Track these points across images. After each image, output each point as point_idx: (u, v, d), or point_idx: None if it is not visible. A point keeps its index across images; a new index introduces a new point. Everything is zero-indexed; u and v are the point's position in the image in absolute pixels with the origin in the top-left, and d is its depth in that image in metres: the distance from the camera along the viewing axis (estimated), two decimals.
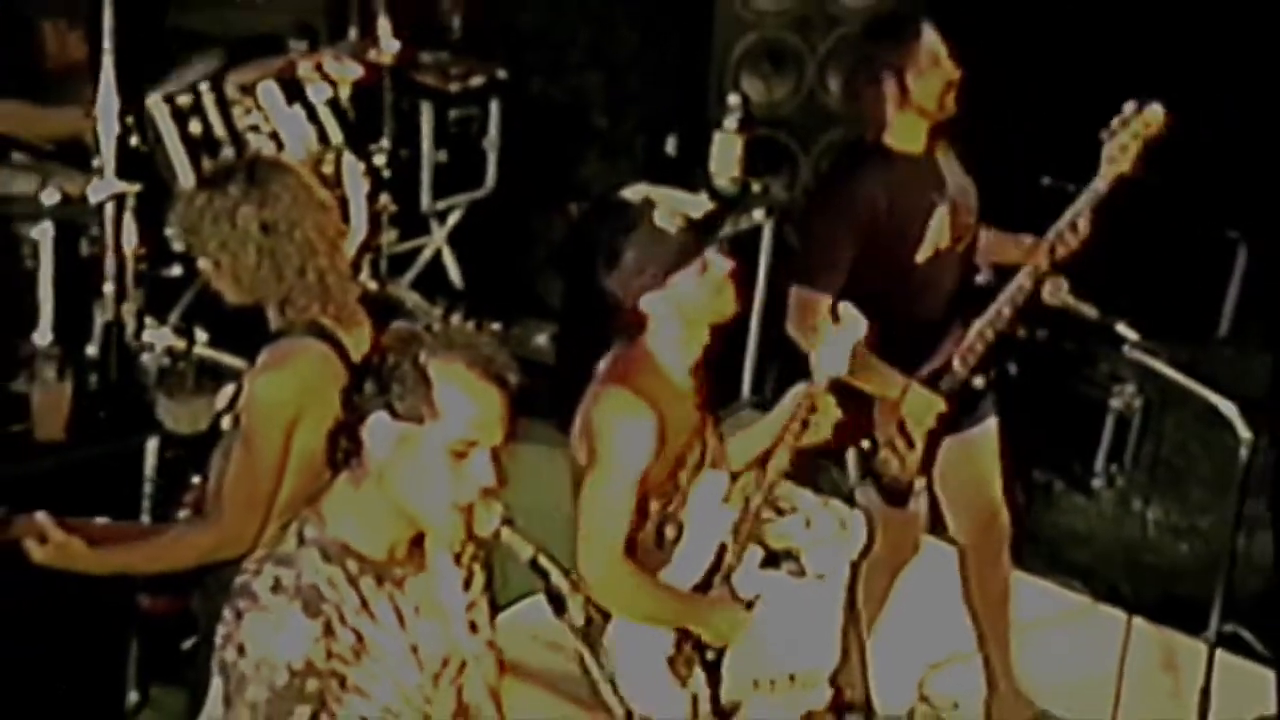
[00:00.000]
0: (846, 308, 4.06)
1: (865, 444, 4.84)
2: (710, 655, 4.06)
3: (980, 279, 4.98)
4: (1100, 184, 4.71)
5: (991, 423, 5.02)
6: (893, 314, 4.65)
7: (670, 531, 4.02)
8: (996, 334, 4.83)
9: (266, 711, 2.94)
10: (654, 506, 3.96)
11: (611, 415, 3.85)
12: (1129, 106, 4.69)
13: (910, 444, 4.86)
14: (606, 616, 3.91)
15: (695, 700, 4.03)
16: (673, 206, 3.97)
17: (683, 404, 3.96)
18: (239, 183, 3.79)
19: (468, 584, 3.22)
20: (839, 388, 4.15)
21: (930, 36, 4.74)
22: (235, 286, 3.85)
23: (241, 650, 2.95)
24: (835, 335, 4.03)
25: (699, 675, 4.04)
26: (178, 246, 5.80)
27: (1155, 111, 4.67)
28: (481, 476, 3.01)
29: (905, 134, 4.76)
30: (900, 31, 4.76)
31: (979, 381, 4.89)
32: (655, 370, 3.93)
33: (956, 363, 4.83)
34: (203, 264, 3.89)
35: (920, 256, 4.79)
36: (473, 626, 3.21)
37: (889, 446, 4.85)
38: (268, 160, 3.99)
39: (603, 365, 4.00)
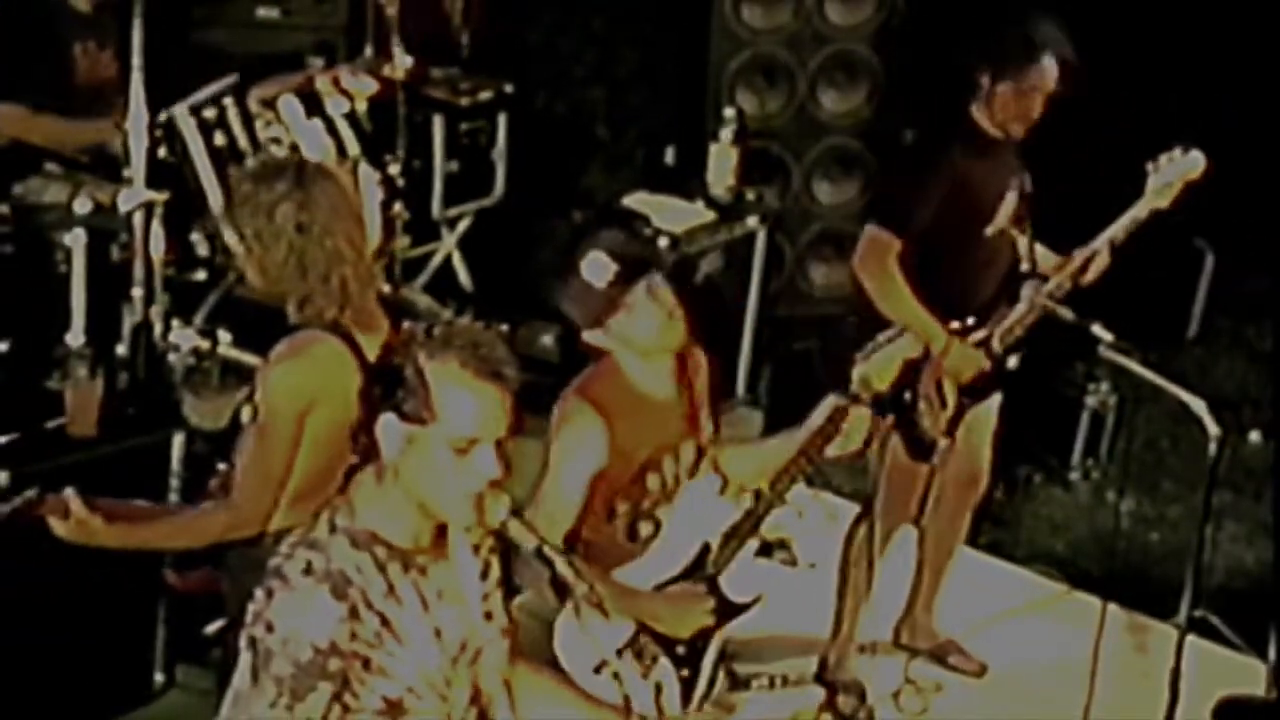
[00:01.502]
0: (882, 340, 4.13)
1: (906, 395, 4.96)
2: (680, 649, 4.10)
3: (1024, 266, 5.10)
4: (1140, 212, 4.94)
5: (997, 399, 5.23)
6: (951, 281, 4.95)
7: (645, 528, 4.06)
8: (1035, 322, 5.05)
9: (290, 685, 3.00)
10: (622, 507, 4.01)
11: (563, 423, 3.93)
12: (1175, 150, 4.92)
13: (943, 403, 5.03)
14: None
15: (659, 690, 4.04)
16: (616, 247, 3.98)
17: (652, 412, 4.01)
18: (286, 181, 3.86)
19: (484, 574, 3.25)
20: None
21: (1045, 68, 4.88)
22: (260, 275, 3.92)
23: (270, 627, 3.02)
24: (886, 348, 4.10)
25: (665, 666, 4.07)
26: (203, 251, 6.03)
27: (1197, 158, 4.92)
28: (486, 470, 3.04)
29: (989, 121, 4.95)
30: (1029, 46, 4.91)
31: (1013, 362, 5.10)
32: (620, 381, 3.99)
33: (996, 340, 5.04)
34: (234, 243, 3.94)
35: (990, 230, 4.98)
36: (488, 615, 3.25)
37: (926, 400, 5.01)
38: (315, 165, 4.01)
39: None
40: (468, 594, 3.21)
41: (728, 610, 4.19)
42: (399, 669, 3.12)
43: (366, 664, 3.07)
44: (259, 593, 3.09)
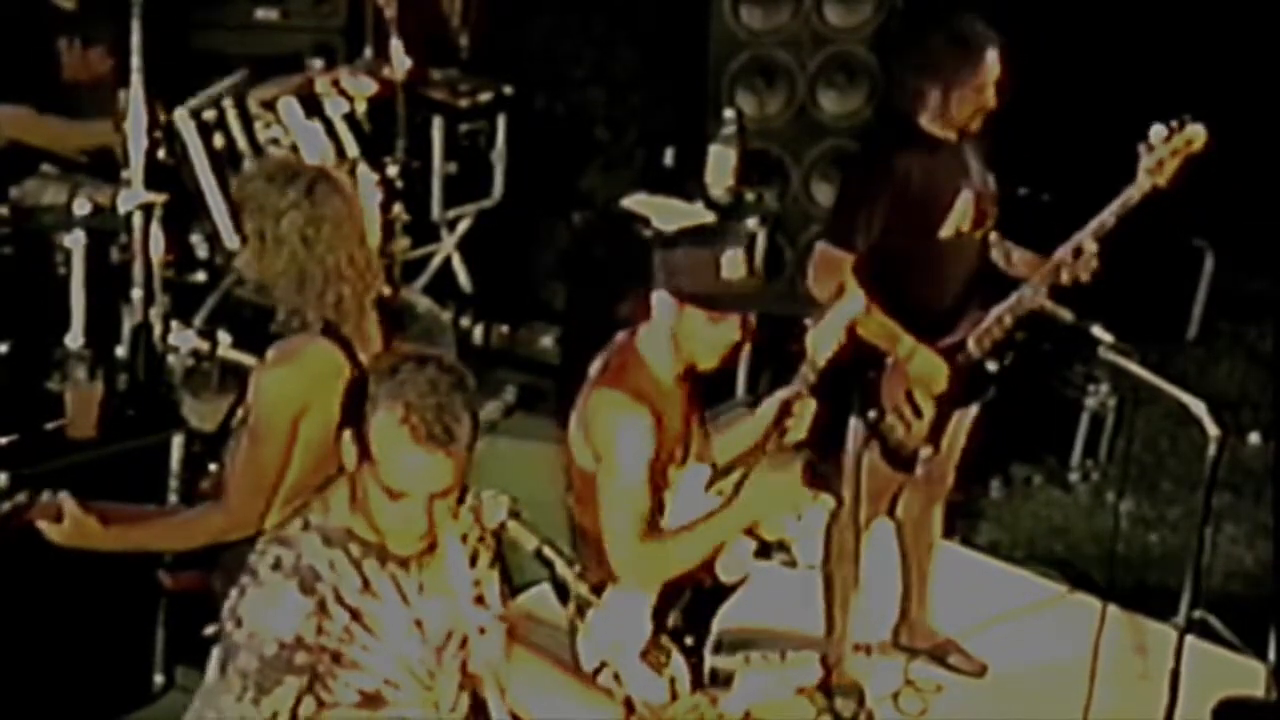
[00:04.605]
0: (850, 285, 4.15)
1: (871, 414, 4.95)
2: (689, 640, 4.13)
3: (1004, 267, 5.09)
4: (1134, 193, 4.81)
5: (975, 407, 5.22)
6: (912, 287, 4.90)
7: (662, 522, 4.06)
8: (1015, 321, 4.99)
9: (255, 679, 3.05)
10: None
11: (611, 416, 3.92)
12: (1172, 123, 4.77)
13: (918, 413, 5.01)
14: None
15: (673, 683, 4.09)
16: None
17: (670, 404, 4.03)
18: (298, 189, 3.85)
19: (473, 561, 3.26)
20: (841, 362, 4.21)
21: (990, 61, 4.86)
22: (257, 267, 3.92)
23: (239, 622, 3.08)
24: (833, 312, 4.14)
25: (676, 660, 4.11)
26: (202, 253, 6.04)
27: (1197, 130, 4.77)
28: (413, 522, 3.07)
29: (940, 124, 4.92)
30: (967, 47, 4.88)
31: (992, 366, 5.05)
32: (645, 371, 4.00)
33: (971, 343, 5.00)
34: (234, 236, 3.94)
35: (943, 234, 4.94)
36: (479, 600, 3.26)
37: (895, 413, 5.00)
38: (331, 179, 3.96)
39: (595, 366, 4.07)
40: (455, 583, 3.22)
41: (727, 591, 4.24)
42: (374, 662, 3.15)
43: (337, 658, 3.11)
44: (233, 590, 3.13)
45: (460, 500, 3.21)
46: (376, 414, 3.04)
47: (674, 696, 4.08)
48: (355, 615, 3.12)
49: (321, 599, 3.08)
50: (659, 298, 3.98)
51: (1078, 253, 4.92)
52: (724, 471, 4.22)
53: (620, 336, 4.09)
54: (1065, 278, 4.94)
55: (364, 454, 3.07)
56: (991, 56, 4.88)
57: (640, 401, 3.93)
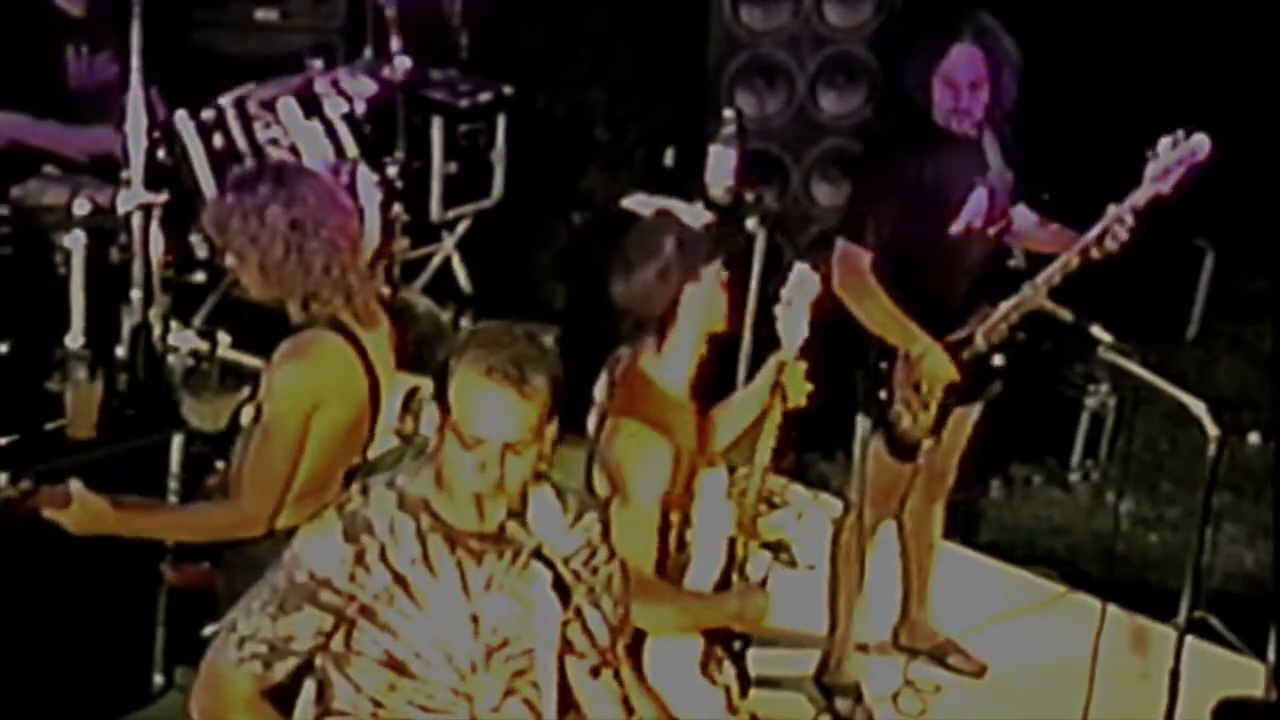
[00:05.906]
0: (797, 267, 4.12)
1: (883, 395, 5.00)
2: (736, 645, 4.14)
3: (1012, 263, 5.15)
4: (1139, 198, 4.83)
5: (979, 405, 5.24)
6: (922, 282, 4.91)
7: (690, 535, 4.07)
8: (1021, 317, 5.00)
9: (279, 598, 3.19)
10: (675, 518, 4.01)
11: (629, 449, 3.90)
12: (1177, 134, 4.79)
13: (925, 405, 5.03)
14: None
15: (729, 693, 4.12)
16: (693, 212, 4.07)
17: (686, 417, 4.03)
18: (267, 184, 3.90)
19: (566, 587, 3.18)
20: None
21: (954, 57, 4.84)
22: (262, 281, 3.94)
23: (292, 543, 3.24)
24: (789, 300, 4.08)
25: (727, 668, 4.13)
26: (202, 253, 6.06)
27: (1201, 140, 4.78)
28: (486, 472, 3.12)
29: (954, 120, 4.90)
30: (938, 41, 4.88)
31: (998, 360, 5.07)
32: (659, 393, 3.99)
33: (979, 338, 5.01)
34: (229, 260, 3.97)
35: (953, 230, 4.94)
36: (585, 628, 3.25)
37: (904, 402, 5.02)
38: (292, 165, 4.08)
39: (600, 390, 4.06)
40: (537, 598, 3.20)
41: None
42: (409, 632, 3.21)
43: (368, 613, 3.20)
44: None
45: (541, 478, 3.28)
46: (458, 361, 3.14)
47: (730, 707, 4.10)
48: (400, 581, 3.19)
49: (362, 551, 3.17)
50: (688, 292, 3.97)
51: (1085, 253, 4.93)
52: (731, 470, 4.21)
53: (621, 360, 4.07)
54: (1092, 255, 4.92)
55: (445, 412, 3.15)
56: (964, 52, 4.83)
57: (659, 431, 3.91)
